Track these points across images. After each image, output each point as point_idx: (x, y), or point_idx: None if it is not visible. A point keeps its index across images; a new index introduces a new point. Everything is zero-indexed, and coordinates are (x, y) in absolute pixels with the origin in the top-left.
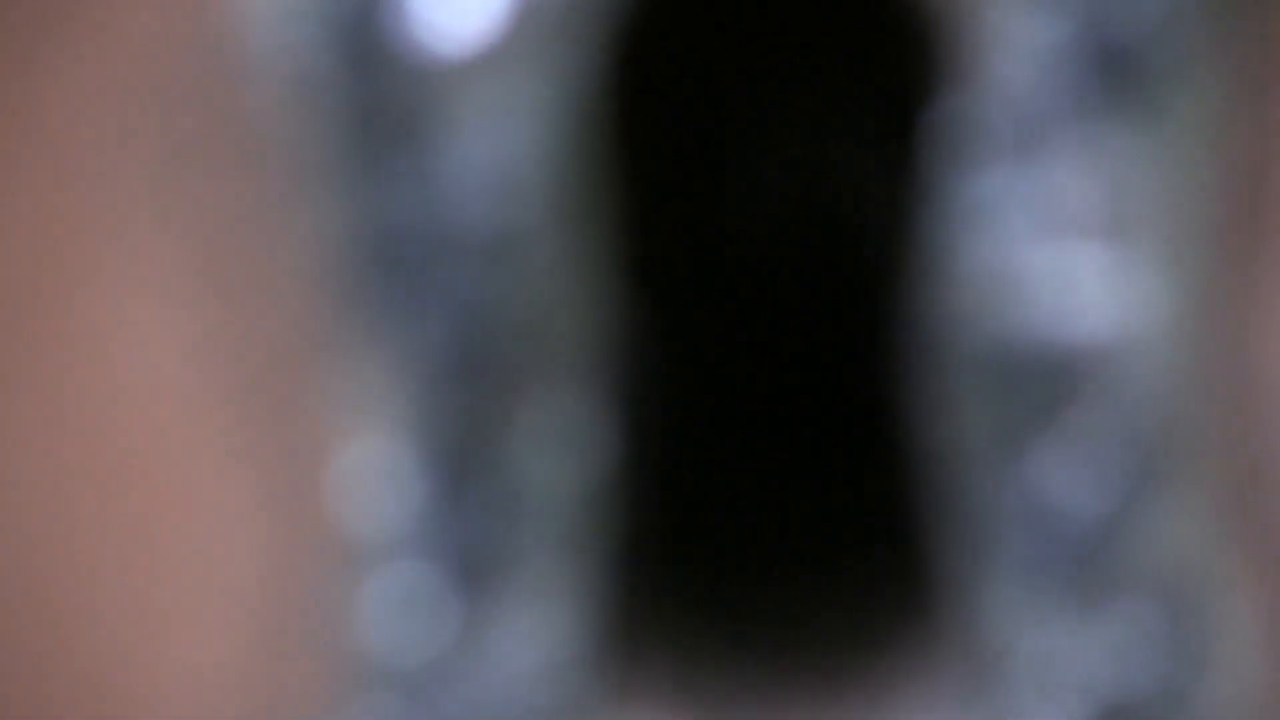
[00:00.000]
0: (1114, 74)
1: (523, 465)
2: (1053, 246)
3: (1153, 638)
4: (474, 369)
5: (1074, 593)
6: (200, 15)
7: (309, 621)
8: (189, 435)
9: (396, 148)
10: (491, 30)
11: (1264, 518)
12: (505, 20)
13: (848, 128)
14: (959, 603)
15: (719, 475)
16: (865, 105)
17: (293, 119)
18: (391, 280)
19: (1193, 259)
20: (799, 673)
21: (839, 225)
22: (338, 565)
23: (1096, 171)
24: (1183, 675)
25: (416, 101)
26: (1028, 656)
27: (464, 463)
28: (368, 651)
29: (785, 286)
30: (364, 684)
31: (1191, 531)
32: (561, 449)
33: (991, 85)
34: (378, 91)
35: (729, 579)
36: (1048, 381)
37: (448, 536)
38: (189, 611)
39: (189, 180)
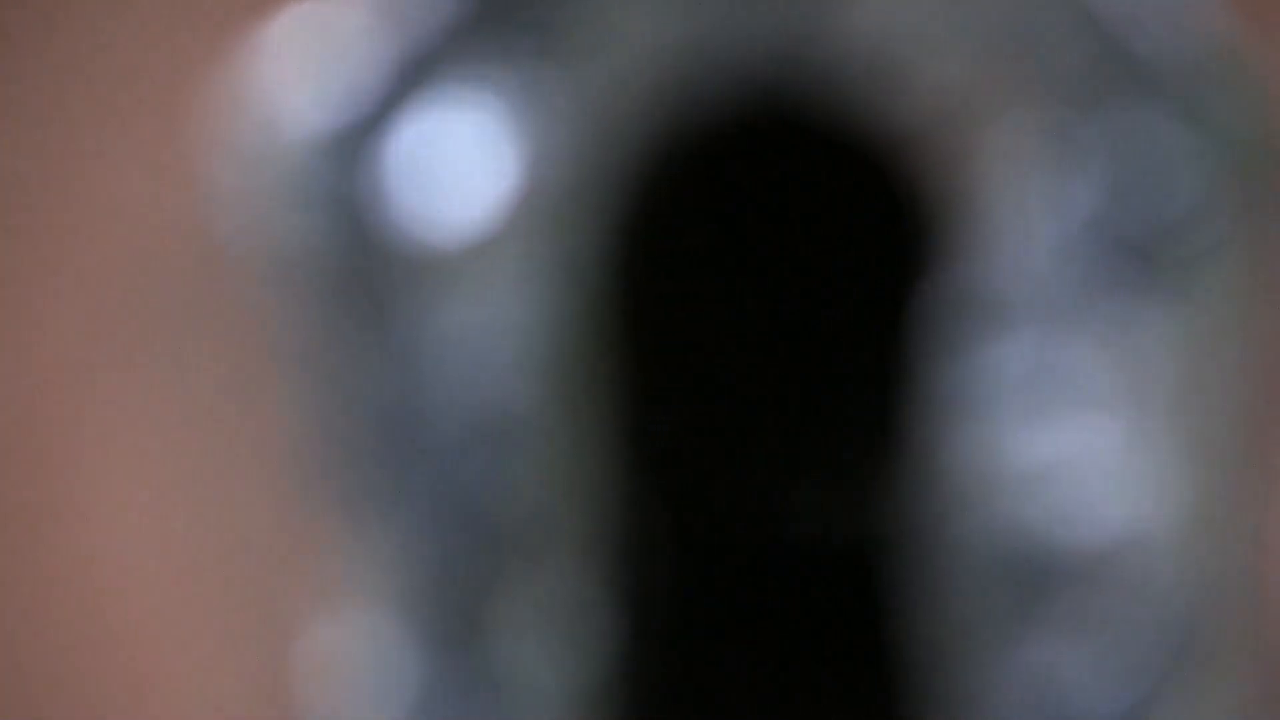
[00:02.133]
0: (1140, 252)
1: (517, 653)
2: (1068, 425)
3: None
4: (463, 551)
5: None
6: (189, 197)
7: None
8: (171, 614)
9: (383, 333)
10: (485, 220)
11: None
12: (500, 211)
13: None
14: None
15: (717, 663)
16: (860, 285)
17: (280, 302)
18: (378, 461)
19: (1215, 445)
20: None
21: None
22: None
23: (1116, 349)
24: None
25: (405, 290)
26: None
27: (453, 647)
28: None
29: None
30: None
31: None
32: (559, 637)
33: (999, 258)
34: (365, 279)
35: None
36: (1058, 578)
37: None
38: None
39: (174, 360)
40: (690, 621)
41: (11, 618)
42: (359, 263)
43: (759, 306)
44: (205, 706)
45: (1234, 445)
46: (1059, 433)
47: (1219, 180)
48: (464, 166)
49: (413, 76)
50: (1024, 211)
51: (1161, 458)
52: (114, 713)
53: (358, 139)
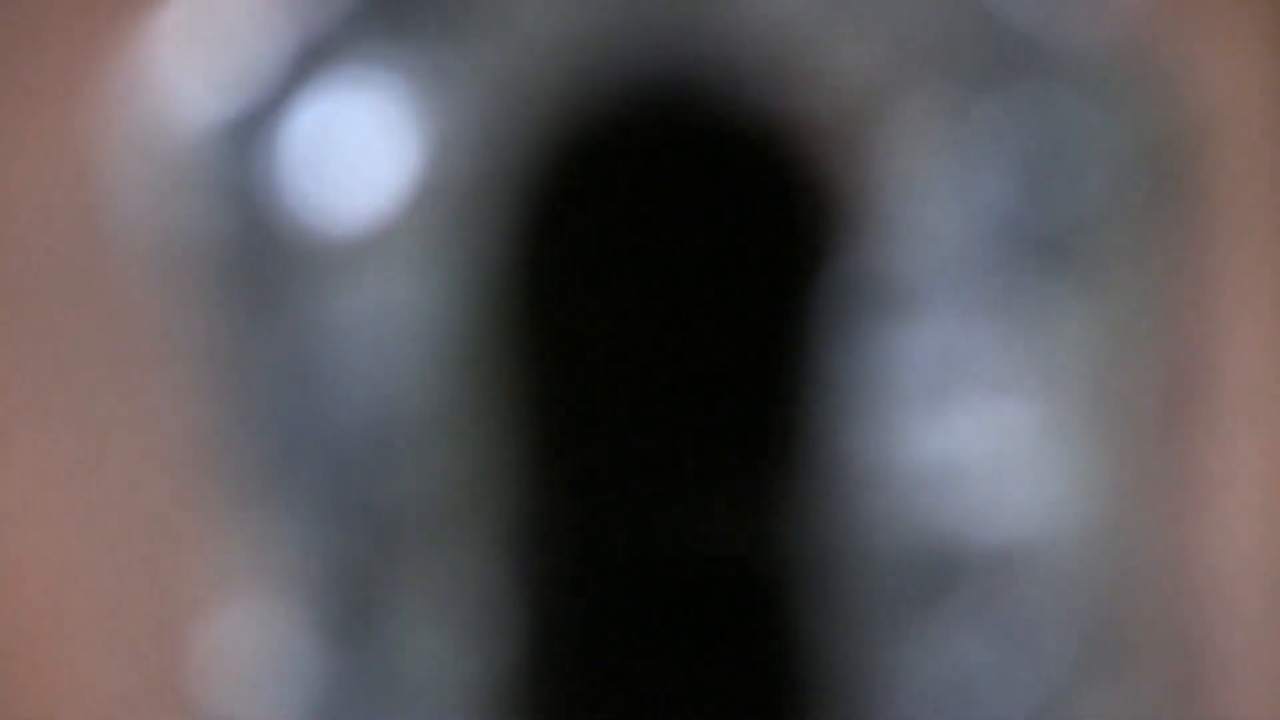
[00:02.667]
0: (1050, 239)
1: (416, 647)
2: (976, 416)
3: None
4: (361, 543)
5: None
6: (79, 185)
7: None
8: (61, 605)
9: (279, 322)
10: (384, 208)
11: (1203, 709)
12: (400, 198)
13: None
14: None
15: (620, 662)
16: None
17: (173, 291)
18: (274, 452)
19: (1128, 436)
20: None
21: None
22: None
23: (1025, 337)
24: None
25: (302, 279)
26: None
27: (352, 640)
28: None
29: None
30: None
31: None
32: (459, 632)
33: (901, 244)
34: (261, 268)
35: None
36: (967, 573)
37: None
38: None
39: (63, 348)
40: (593, 619)
41: None
42: (254, 252)
43: (660, 299)
44: (96, 698)
45: (1148, 437)
46: (967, 423)
47: (1130, 167)
48: (363, 152)
49: (310, 60)
50: (926, 197)
51: (1073, 449)
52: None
53: (252, 125)
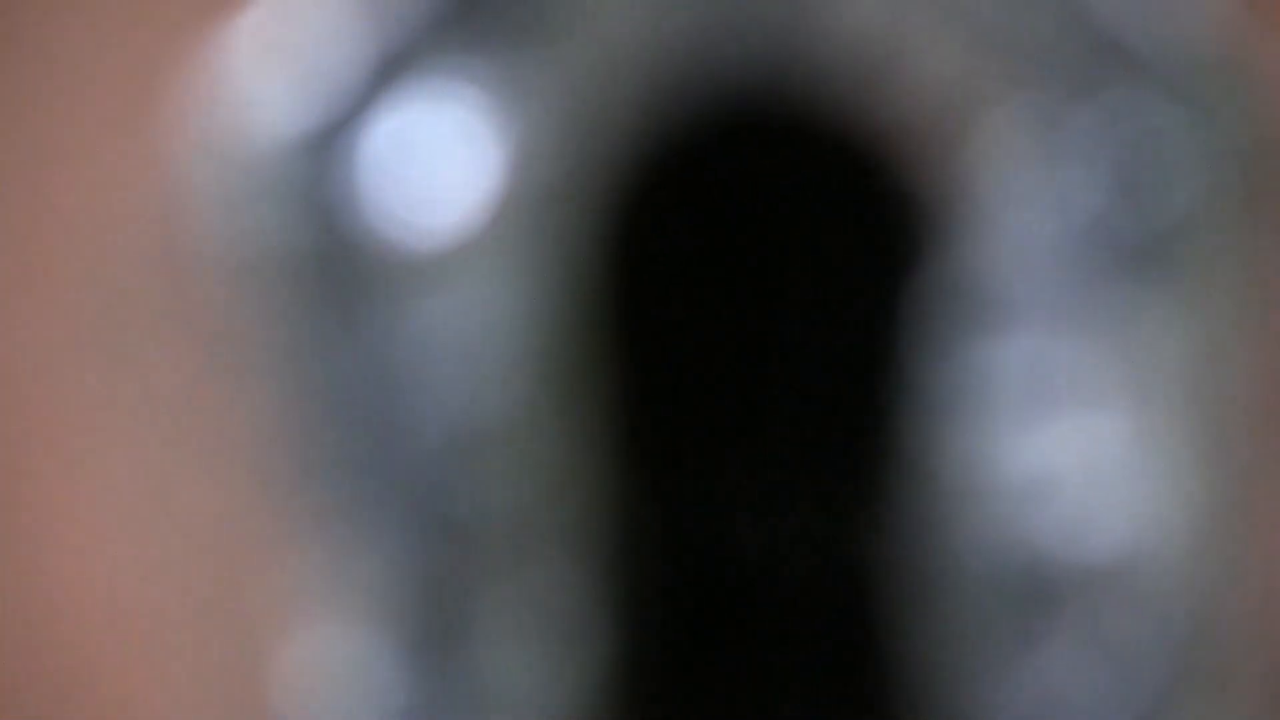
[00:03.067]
0: (1142, 248)
1: (502, 663)
2: (1070, 428)
3: None
4: (445, 558)
5: None
6: (160, 198)
7: None
8: (141, 626)
9: (361, 336)
10: (467, 219)
11: None
12: (482, 209)
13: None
14: None
15: (709, 677)
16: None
17: (254, 305)
18: (356, 467)
19: (1222, 449)
20: None
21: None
22: None
23: (1118, 347)
24: None
25: (383, 292)
26: None
27: (435, 657)
28: None
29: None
30: None
31: None
32: (546, 647)
33: (994, 253)
34: (342, 281)
35: None
36: (1062, 590)
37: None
38: None
39: (145, 363)
40: (682, 633)
41: None
42: (337, 263)
43: (748, 306)
44: (177, 717)
45: (1241, 449)
46: (1061, 436)
47: (1222, 173)
48: (444, 164)
49: (390, 71)
50: (1019, 205)
51: (1168, 463)
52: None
53: (333, 137)
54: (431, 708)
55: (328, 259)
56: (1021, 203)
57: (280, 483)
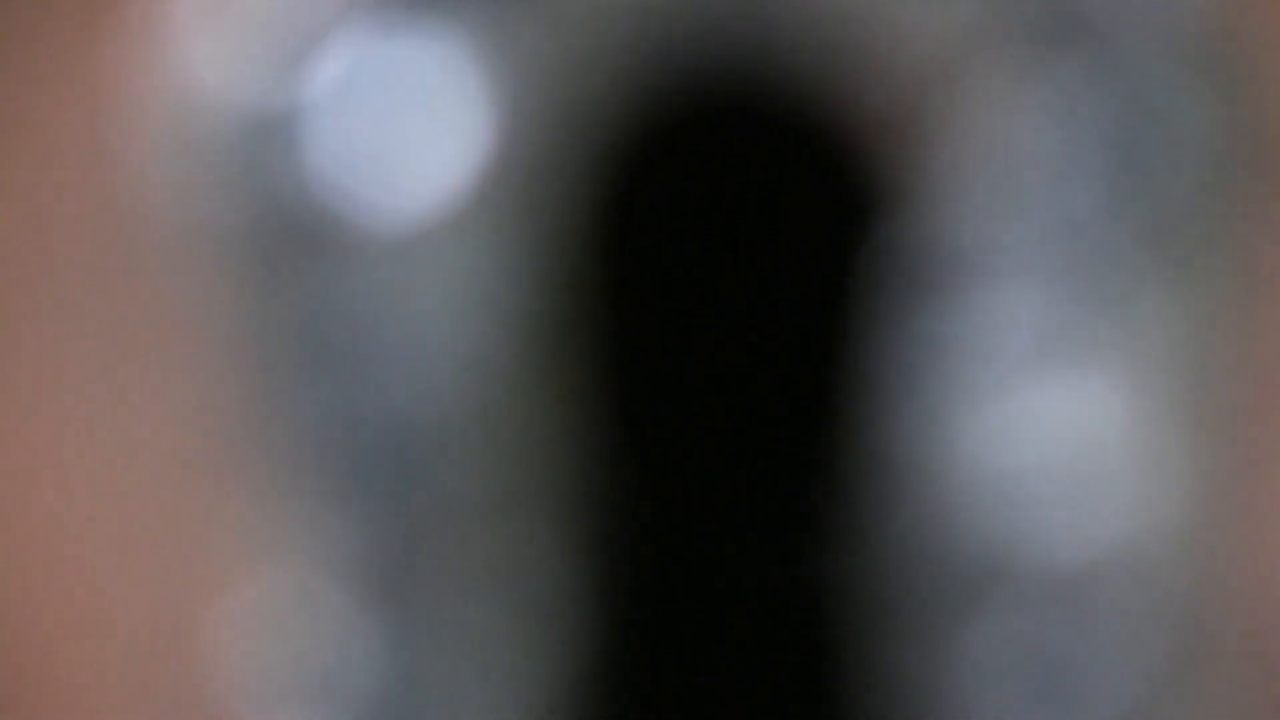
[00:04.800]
0: (1139, 221)
1: (467, 618)
2: (1059, 405)
3: None
4: (422, 536)
5: None
6: (114, 173)
7: None
8: (89, 577)
9: (329, 307)
10: (440, 206)
11: None
12: (456, 195)
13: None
14: None
15: (683, 662)
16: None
17: (214, 281)
18: (322, 441)
19: (1218, 435)
20: None
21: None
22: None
23: (1111, 316)
24: None
25: (349, 277)
26: None
27: (395, 604)
28: None
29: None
30: None
31: None
32: (513, 618)
33: (981, 212)
34: (307, 265)
35: None
36: (1055, 575)
37: (369, 689)
38: None
39: (94, 335)
40: (656, 616)
41: None
42: (307, 233)
43: (731, 280)
44: (125, 671)
45: (1237, 435)
46: (1052, 419)
47: (1218, 143)
48: (419, 131)
49: (362, 32)
50: (1007, 165)
51: (1163, 445)
52: (26, 673)
53: (300, 110)
54: (394, 664)
55: (300, 228)
56: (1007, 166)
57: (233, 452)
